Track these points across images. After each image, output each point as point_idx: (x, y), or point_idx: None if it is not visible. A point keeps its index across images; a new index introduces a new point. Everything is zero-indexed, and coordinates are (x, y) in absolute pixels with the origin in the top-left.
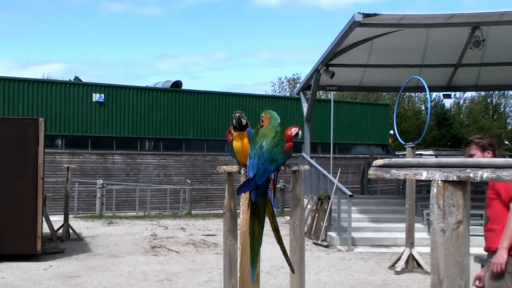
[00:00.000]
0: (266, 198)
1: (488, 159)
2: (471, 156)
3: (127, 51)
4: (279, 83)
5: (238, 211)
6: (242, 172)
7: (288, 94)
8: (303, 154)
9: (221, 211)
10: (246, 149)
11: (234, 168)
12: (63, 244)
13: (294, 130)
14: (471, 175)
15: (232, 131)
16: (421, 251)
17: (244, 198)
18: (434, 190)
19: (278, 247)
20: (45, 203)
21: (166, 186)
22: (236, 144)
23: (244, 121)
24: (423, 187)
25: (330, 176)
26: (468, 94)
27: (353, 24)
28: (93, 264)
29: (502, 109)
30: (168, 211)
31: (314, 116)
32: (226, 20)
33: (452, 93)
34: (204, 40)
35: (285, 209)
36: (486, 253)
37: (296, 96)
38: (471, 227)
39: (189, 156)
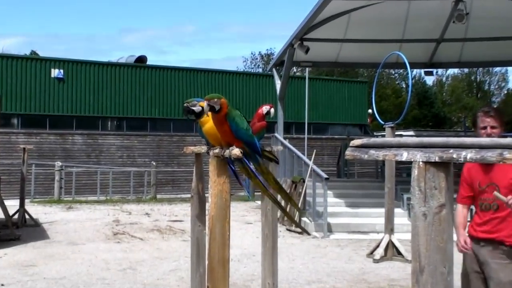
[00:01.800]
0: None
1: (472, 138)
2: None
3: (90, 24)
4: (251, 58)
5: (206, 195)
6: (211, 153)
7: (261, 70)
8: (276, 134)
9: (189, 195)
10: (211, 131)
11: (203, 148)
12: (19, 231)
13: (265, 108)
14: (454, 155)
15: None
16: (401, 237)
17: (213, 180)
18: (415, 172)
19: (248, 234)
20: None
21: (130, 168)
22: (205, 128)
23: (196, 109)
24: (403, 170)
25: (305, 158)
26: (451, 71)
27: None
28: (51, 252)
29: (487, 87)
30: (131, 196)
31: (288, 94)
32: None
33: (434, 70)
34: (171, 12)
35: (256, 193)
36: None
37: (269, 72)
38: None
39: (154, 137)
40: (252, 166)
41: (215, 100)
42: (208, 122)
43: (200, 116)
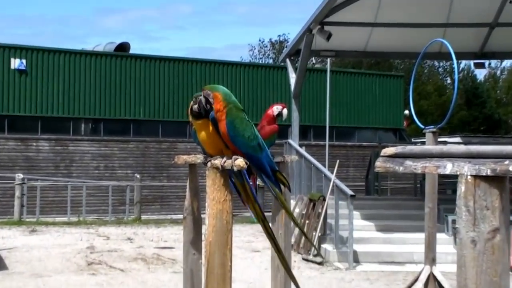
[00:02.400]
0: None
1: None
2: None
3: (60, 4)
4: (260, 46)
5: (203, 215)
6: (209, 164)
7: (271, 61)
8: (290, 141)
9: (181, 216)
10: (213, 138)
11: (198, 158)
12: None
13: (276, 109)
14: (511, 168)
15: (190, 118)
16: (445, 269)
17: (211, 198)
18: (462, 188)
19: (255, 264)
20: None
21: (108, 182)
22: (201, 134)
23: (208, 106)
24: (448, 186)
25: (326, 171)
26: (507, 63)
27: None
28: (10, 285)
29: None
30: (110, 216)
31: (305, 90)
32: None
33: (486, 62)
34: None
35: (265, 213)
36: None
37: (282, 64)
38: None
39: (139, 143)
40: (252, 183)
41: (207, 92)
42: (205, 127)
43: (204, 115)
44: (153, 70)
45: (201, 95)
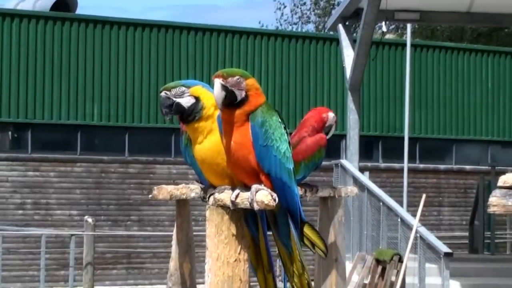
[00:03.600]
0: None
1: None
2: None
3: None
4: (293, 4)
5: (199, 286)
6: (212, 200)
7: (312, 28)
8: (344, 161)
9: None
10: (215, 155)
11: (193, 189)
12: None
13: (329, 116)
14: None
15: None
16: None
17: (213, 257)
18: None
19: None
20: None
21: (40, 230)
22: (200, 148)
23: (185, 101)
24: None
25: (403, 212)
26: None
27: None
28: None
29: None
30: (42, 285)
31: (368, 78)
32: None
33: None
34: None
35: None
36: None
37: (330, 33)
38: None
39: (91, 165)
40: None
41: (237, 79)
42: (204, 136)
43: (191, 116)
44: (115, 43)
45: (176, 87)
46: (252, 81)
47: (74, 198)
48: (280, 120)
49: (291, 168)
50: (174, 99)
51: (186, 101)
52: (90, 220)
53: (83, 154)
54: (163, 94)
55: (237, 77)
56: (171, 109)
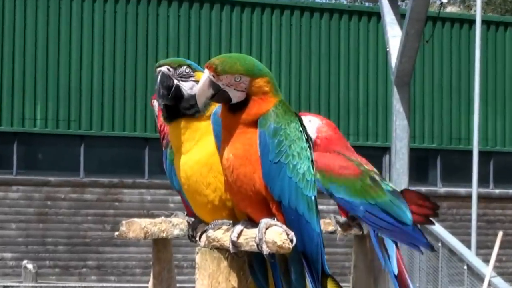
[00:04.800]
0: None
1: None
2: None
3: None
4: None
5: None
6: (203, 240)
7: (345, 1)
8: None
9: None
10: (205, 171)
11: (176, 224)
12: None
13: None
14: None
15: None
16: None
17: None
18: None
19: None
20: None
21: None
22: (180, 158)
23: (187, 86)
24: None
25: (470, 256)
26: None
27: None
28: None
29: None
30: None
31: (421, 68)
32: None
33: None
34: None
35: None
36: None
37: (369, 5)
38: None
39: (32, 188)
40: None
41: (236, 78)
42: (195, 143)
43: (190, 110)
44: (66, 19)
45: (179, 63)
46: (261, 82)
47: (8, 235)
48: (301, 128)
49: (312, 197)
50: (176, 80)
51: (188, 87)
52: (30, 266)
53: (20, 174)
54: (164, 69)
55: (238, 75)
56: (170, 93)
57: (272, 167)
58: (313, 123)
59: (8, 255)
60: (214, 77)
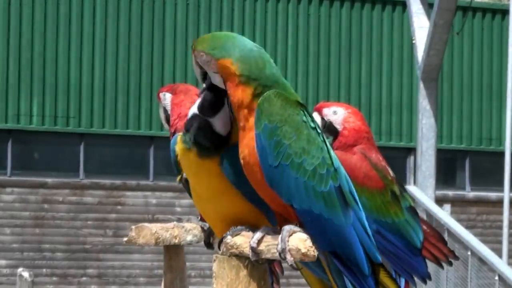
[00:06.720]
0: None
1: None
2: None
3: None
4: None
5: None
6: (223, 248)
7: None
8: (413, 188)
9: None
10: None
11: (189, 230)
12: None
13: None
14: None
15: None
16: None
17: None
18: None
19: None
20: None
21: None
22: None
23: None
24: None
25: (502, 265)
26: None
27: None
28: None
29: None
30: None
31: (450, 62)
32: None
33: None
34: None
35: None
36: None
37: None
38: None
39: (28, 190)
40: None
41: (204, 56)
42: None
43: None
44: (65, 10)
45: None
46: (226, 63)
47: (2, 240)
48: (304, 117)
49: (332, 189)
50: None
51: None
52: (26, 274)
53: (15, 175)
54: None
55: (202, 53)
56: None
57: (273, 172)
58: (339, 115)
59: (2, 262)
60: (193, 55)
